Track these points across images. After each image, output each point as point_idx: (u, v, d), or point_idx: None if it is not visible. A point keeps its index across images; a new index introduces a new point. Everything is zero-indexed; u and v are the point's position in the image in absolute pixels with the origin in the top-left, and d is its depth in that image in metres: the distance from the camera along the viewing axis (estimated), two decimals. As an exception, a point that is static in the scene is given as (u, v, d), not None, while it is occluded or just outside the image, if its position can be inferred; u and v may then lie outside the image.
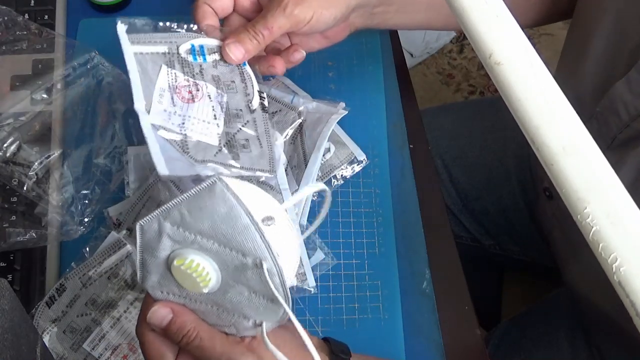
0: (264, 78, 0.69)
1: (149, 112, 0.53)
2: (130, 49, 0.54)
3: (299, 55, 0.60)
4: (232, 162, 0.54)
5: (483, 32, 0.37)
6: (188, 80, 0.55)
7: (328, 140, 0.63)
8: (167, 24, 0.57)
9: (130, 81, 0.53)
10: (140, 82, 0.54)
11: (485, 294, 1.08)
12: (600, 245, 0.33)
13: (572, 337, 0.77)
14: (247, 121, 0.56)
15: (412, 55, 1.57)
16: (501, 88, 0.37)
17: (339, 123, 0.64)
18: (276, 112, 0.64)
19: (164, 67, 0.55)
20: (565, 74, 0.66)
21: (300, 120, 0.64)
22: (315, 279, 0.60)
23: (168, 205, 0.43)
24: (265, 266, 0.42)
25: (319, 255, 0.60)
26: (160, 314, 0.44)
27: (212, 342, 0.43)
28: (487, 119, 0.90)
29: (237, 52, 0.56)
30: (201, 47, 0.57)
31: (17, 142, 0.61)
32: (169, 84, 0.55)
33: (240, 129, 0.56)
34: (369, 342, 0.51)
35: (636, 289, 0.32)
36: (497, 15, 0.37)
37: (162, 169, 0.51)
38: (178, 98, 0.55)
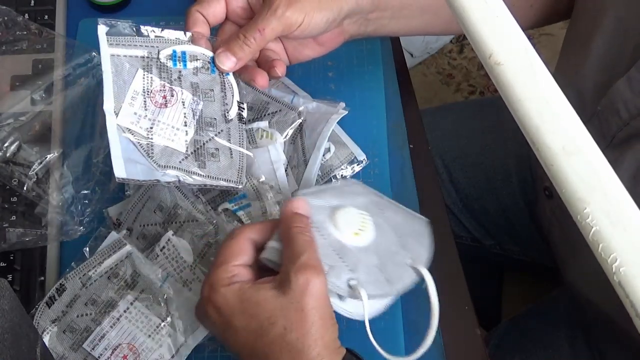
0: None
1: (117, 113, 0.54)
2: (107, 51, 0.55)
3: (275, 74, 0.59)
4: (197, 170, 0.54)
5: (483, 32, 0.37)
6: (164, 86, 0.56)
7: (328, 140, 0.63)
8: (151, 29, 0.57)
9: (103, 81, 0.54)
10: (113, 84, 0.54)
11: (485, 294, 1.08)
12: (600, 245, 0.33)
13: (572, 337, 0.77)
14: (221, 130, 0.57)
15: (412, 55, 1.57)
16: (501, 88, 0.37)
17: (339, 123, 0.64)
18: (276, 112, 0.64)
19: (140, 70, 0.55)
20: (566, 73, 0.66)
21: (300, 120, 0.64)
22: (315, 279, 0.59)
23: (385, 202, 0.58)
24: (418, 270, 0.52)
25: (319, 255, 0.60)
26: (306, 203, 0.51)
27: (315, 249, 0.48)
28: (487, 119, 0.90)
29: (227, 61, 0.56)
30: (183, 53, 0.57)
31: (17, 142, 0.61)
32: (143, 87, 0.55)
33: (213, 137, 0.56)
34: (369, 342, 0.51)
35: (636, 289, 0.32)
36: (497, 15, 0.37)
37: (120, 171, 0.52)
38: (151, 102, 0.55)
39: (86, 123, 0.64)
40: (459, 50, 1.65)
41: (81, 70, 0.65)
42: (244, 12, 0.59)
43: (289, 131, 0.63)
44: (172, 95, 0.56)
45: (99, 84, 0.65)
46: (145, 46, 0.56)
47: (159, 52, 0.56)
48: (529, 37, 0.37)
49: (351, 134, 0.66)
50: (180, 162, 0.55)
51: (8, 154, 0.60)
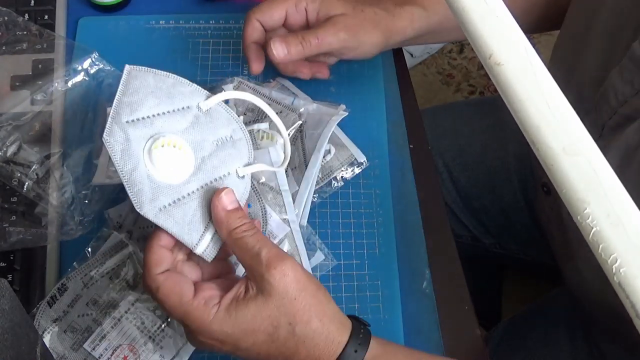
0: (264, 80, 0.69)
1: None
2: None
3: (324, 75, 0.68)
4: None
5: (483, 32, 0.37)
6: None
7: (328, 142, 0.63)
8: None
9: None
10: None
11: (485, 294, 1.08)
12: (601, 246, 0.33)
13: (572, 336, 0.77)
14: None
15: (412, 55, 1.57)
16: (501, 88, 0.37)
17: (339, 125, 0.64)
18: (277, 113, 0.64)
19: None
20: (565, 69, 0.66)
21: (300, 122, 0.64)
22: (315, 279, 0.59)
23: (113, 108, 0.49)
24: (205, 98, 0.51)
25: (319, 256, 0.60)
26: (233, 196, 0.48)
27: (265, 238, 0.47)
28: (487, 118, 0.90)
29: (280, 49, 0.60)
30: None
31: (17, 142, 0.61)
32: None
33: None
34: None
35: (636, 289, 0.32)
36: (497, 15, 0.37)
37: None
38: None
39: (86, 123, 0.64)
40: (459, 50, 1.65)
41: (81, 71, 0.65)
42: (299, 28, 0.63)
43: (290, 132, 0.63)
44: None
45: (99, 84, 0.65)
46: None
47: None
48: (529, 37, 0.37)
49: (351, 135, 0.66)
50: None
51: (8, 154, 0.60)
